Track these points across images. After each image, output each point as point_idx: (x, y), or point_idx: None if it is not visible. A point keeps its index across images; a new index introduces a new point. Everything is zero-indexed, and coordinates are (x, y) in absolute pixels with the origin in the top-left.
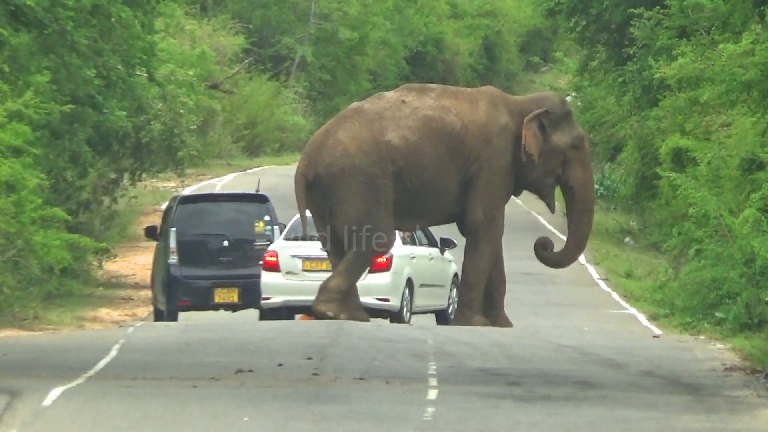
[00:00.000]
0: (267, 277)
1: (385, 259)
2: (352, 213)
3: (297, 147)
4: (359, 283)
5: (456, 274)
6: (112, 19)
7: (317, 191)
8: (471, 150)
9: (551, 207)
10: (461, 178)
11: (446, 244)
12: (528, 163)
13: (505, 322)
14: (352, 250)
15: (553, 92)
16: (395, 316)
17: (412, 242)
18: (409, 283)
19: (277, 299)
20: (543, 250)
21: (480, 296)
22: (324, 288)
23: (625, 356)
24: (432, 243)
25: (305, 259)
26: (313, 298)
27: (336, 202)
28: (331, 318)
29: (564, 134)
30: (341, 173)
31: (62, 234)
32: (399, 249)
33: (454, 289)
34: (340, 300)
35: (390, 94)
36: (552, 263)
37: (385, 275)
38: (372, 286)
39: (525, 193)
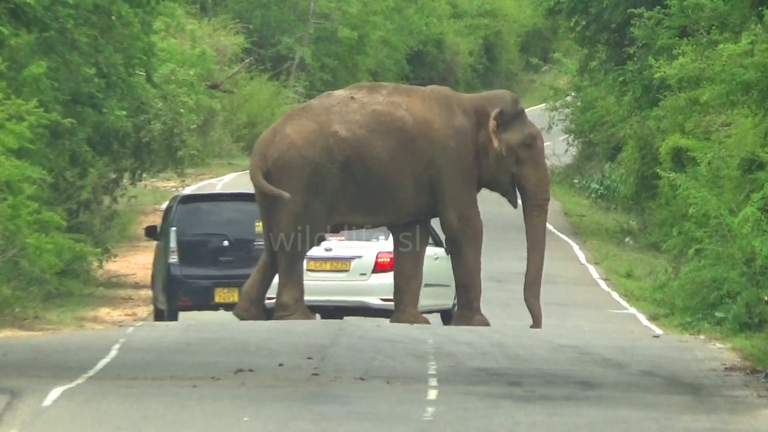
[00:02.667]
0: None
1: (389, 260)
2: (292, 208)
3: None
4: (364, 283)
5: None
6: (113, 18)
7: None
8: (424, 152)
9: (513, 203)
10: (417, 179)
11: None
12: (485, 163)
13: (418, 320)
14: (285, 254)
15: (506, 91)
16: None
17: None
18: None
19: None
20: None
21: (477, 296)
22: (281, 305)
23: (625, 356)
24: (437, 243)
25: (309, 259)
26: (317, 298)
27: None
28: None
29: (515, 133)
30: (288, 166)
31: (58, 238)
32: None
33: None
34: (302, 306)
35: (339, 92)
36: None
37: (389, 275)
38: (376, 287)
39: None
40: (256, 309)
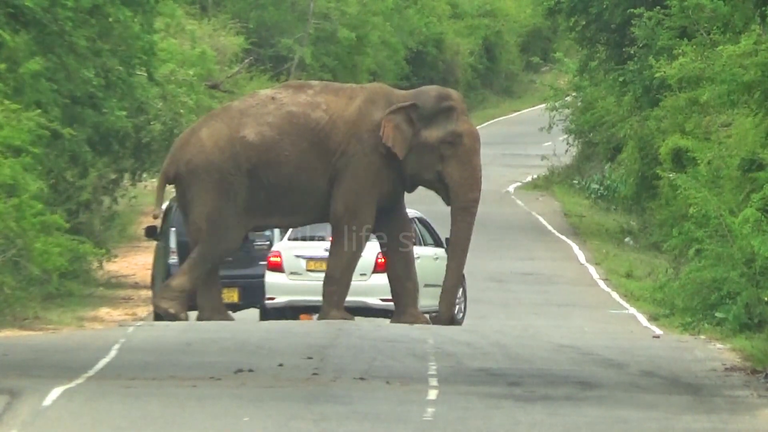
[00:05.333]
0: (271, 277)
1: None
2: (203, 209)
3: None
4: (364, 283)
5: (462, 274)
6: (110, 20)
7: (180, 189)
8: (337, 146)
9: (445, 201)
10: (330, 173)
11: None
12: (390, 156)
13: (420, 320)
14: (197, 248)
15: (437, 86)
16: None
17: (417, 243)
18: None
19: (281, 299)
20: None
21: (340, 291)
22: (167, 286)
23: (625, 356)
24: (437, 243)
25: (309, 259)
26: (317, 298)
27: (190, 198)
28: (172, 315)
29: (436, 130)
30: (196, 169)
31: (62, 239)
32: None
33: (460, 289)
34: (183, 299)
35: (263, 92)
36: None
37: None
38: (376, 287)
39: (525, 194)
40: (220, 314)
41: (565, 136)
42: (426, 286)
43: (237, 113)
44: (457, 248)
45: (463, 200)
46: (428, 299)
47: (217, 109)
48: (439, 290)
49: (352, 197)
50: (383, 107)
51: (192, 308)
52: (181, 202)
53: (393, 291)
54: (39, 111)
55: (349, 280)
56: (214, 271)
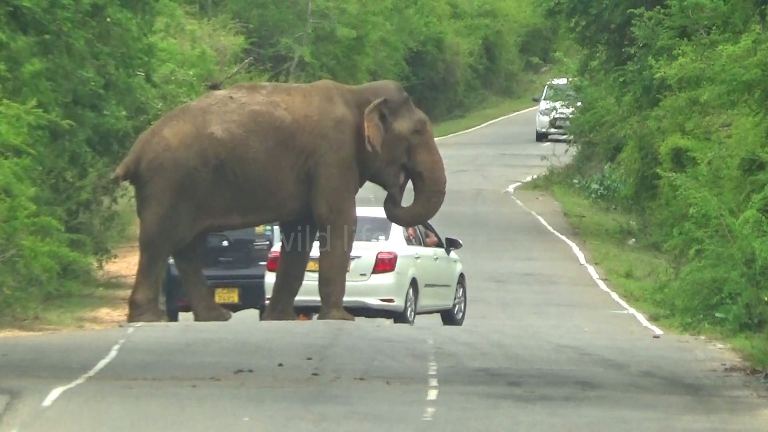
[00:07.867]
0: (271, 278)
1: (389, 260)
2: (158, 210)
3: None
4: (364, 283)
5: (462, 274)
6: (108, 20)
7: (138, 187)
8: (304, 145)
9: (396, 198)
10: (297, 173)
11: (452, 244)
12: (371, 154)
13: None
14: (145, 254)
15: (389, 80)
16: (399, 317)
17: (418, 242)
18: (414, 283)
19: None
20: (392, 207)
21: (337, 290)
22: (133, 304)
23: (625, 356)
24: (438, 243)
25: (310, 259)
26: (317, 298)
27: (146, 196)
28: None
29: (405, 121)
30: (160, 167)
31: (53, 246)
32: (404, 249)
33: (460, 289)
34: (153, 307)
35: (219, 92)
36: (394, 217)
37: (389, 275)
38: (376, 287)
39: (525, 194)
40: (215, 311)
41: (565, 136)
42: (426, 286)
43: (199, 112)
44: (421, 217)
45: (437, 184)
46: (428, 299)
47: (175, 110)
48: (439, 290)
49: (334, 196)
50: (342, 104)
51: (187, 310)
52: (137, 201)
53: (278, 287)
54: (34, 102)
55: (344, 278)
56: (197, 271)
